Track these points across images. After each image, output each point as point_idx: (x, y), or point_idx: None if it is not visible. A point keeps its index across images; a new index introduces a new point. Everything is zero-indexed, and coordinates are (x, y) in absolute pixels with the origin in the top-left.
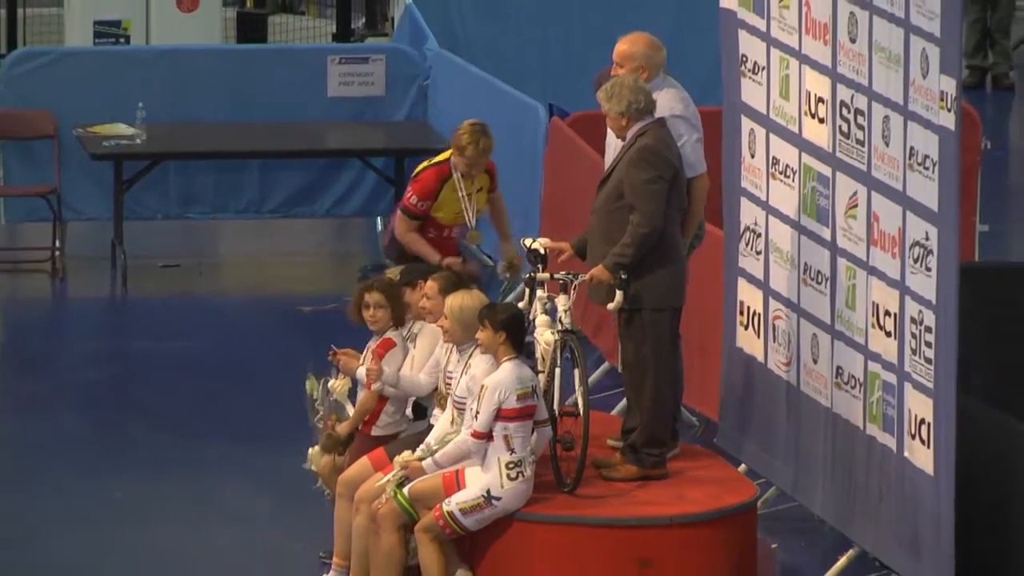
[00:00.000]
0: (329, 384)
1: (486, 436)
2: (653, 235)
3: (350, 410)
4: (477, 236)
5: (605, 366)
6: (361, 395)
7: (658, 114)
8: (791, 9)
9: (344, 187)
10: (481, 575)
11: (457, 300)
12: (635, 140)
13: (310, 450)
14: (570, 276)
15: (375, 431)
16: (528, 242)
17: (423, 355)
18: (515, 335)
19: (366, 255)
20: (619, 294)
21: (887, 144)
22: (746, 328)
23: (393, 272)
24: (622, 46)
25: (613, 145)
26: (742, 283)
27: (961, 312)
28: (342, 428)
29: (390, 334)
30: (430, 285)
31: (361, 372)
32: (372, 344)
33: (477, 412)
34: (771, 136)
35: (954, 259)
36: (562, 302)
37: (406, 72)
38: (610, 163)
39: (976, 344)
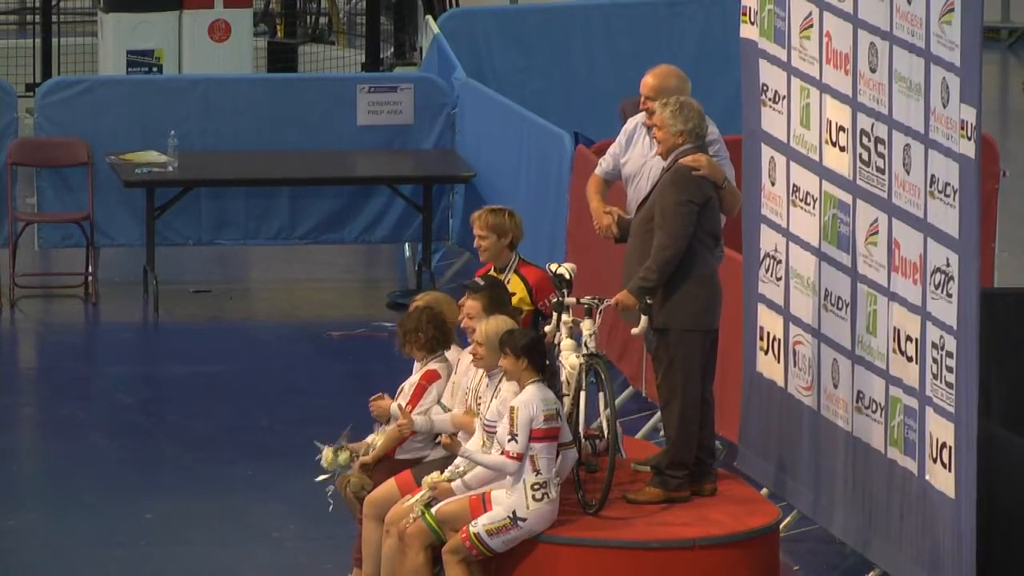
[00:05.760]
0: (329, 456)
1: (524, 456)
2: (676, 257)
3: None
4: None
5: (630, 390)
6: (391, 426)
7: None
8: (812, 40)
9: (373, 214)
10: None
11: (490, 326)
12: (673, 163)
13: (324, 450)
14: (596, 300)
15: (399, 454)
16: (553, 267)
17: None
18: (536, 359)
19: (395, 281)
20: (644, 319)
21: (908, 172)
22: (766, 353)
23: (421, 299)
24: (652, 81)
25: (638, 145)
26: (762, 309)
27: (980, 337)
28: (367, 459)
29: (434, 365)
30: (471, 304)
31: (395, 409)
32: (416, 371)
33: (512, 434)
34: (792, 164)
35: (975, 285)
36: (587, 326)
37: (434, 101)
38: (630, 159)
39: (995, 368)
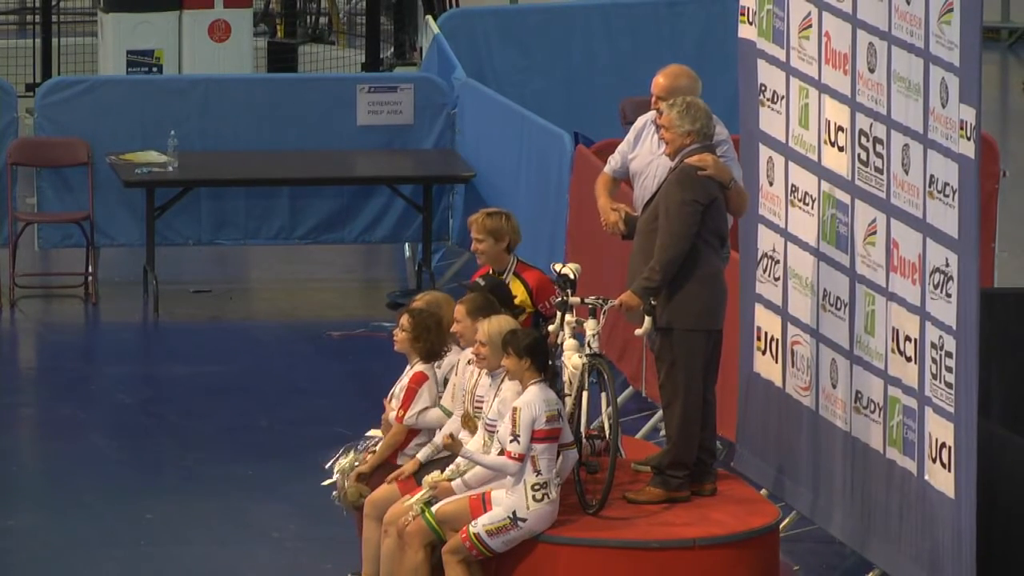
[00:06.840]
0: (343, 463)
1: (526, 457)
2: (679, 257)
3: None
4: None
5: (630, 390)
6: (391, 429)
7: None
8: (811, 40)
9: (373, 214)
10: None
11: (493, 326)
12: (680, 163)
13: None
14: (600, 301)
15: (401, 459)
16: (557, 267)
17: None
18: (538, 359)
19: (395, 281)
20: (647, 319)
21: (907, 172)
22: (763, 353)
23: (421, 299)
24: (663, 80)
25: (646, 143)
26: (759, 309)
27: (980, 337)
28: (363, 468)
29: (421, 367)
30: (458, 309)
31: (391, 416)
32: (406, 374)
33: (515, 435)
34: (790, 164)
35: (974, 285)
36: (591, 326)
37: (434, 101)
38: (637, 156)
39: (995, 368)
